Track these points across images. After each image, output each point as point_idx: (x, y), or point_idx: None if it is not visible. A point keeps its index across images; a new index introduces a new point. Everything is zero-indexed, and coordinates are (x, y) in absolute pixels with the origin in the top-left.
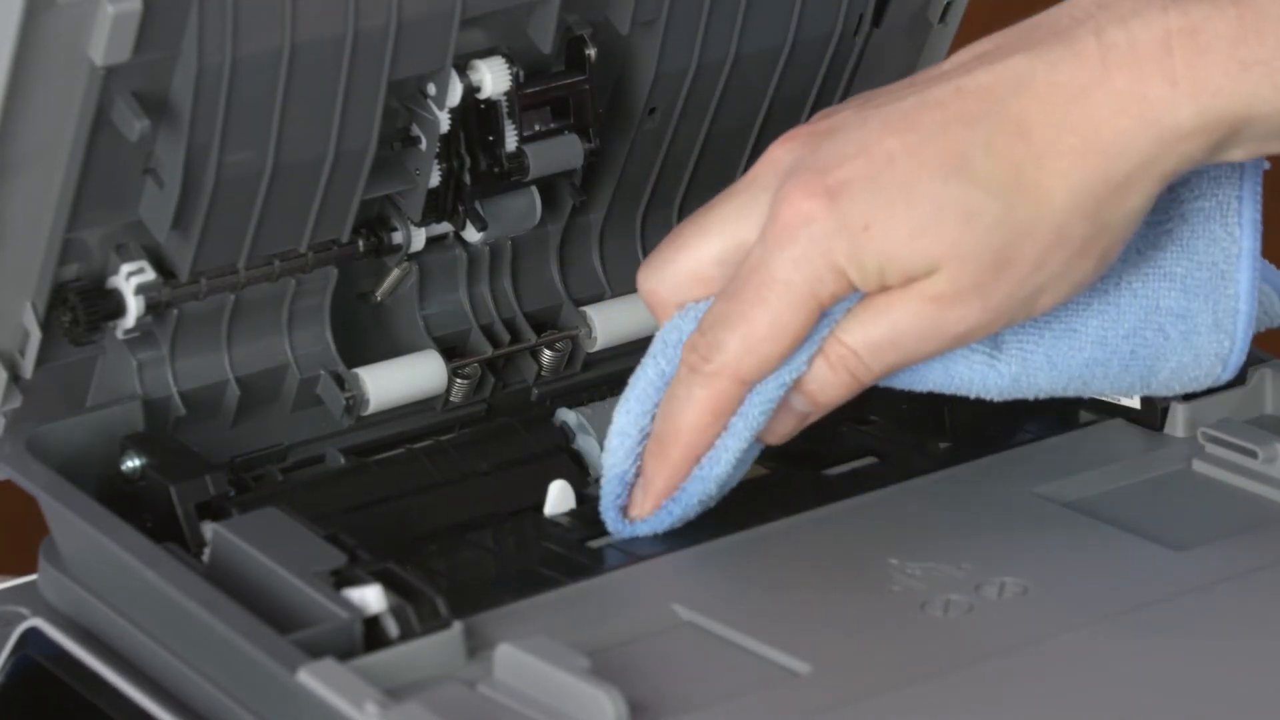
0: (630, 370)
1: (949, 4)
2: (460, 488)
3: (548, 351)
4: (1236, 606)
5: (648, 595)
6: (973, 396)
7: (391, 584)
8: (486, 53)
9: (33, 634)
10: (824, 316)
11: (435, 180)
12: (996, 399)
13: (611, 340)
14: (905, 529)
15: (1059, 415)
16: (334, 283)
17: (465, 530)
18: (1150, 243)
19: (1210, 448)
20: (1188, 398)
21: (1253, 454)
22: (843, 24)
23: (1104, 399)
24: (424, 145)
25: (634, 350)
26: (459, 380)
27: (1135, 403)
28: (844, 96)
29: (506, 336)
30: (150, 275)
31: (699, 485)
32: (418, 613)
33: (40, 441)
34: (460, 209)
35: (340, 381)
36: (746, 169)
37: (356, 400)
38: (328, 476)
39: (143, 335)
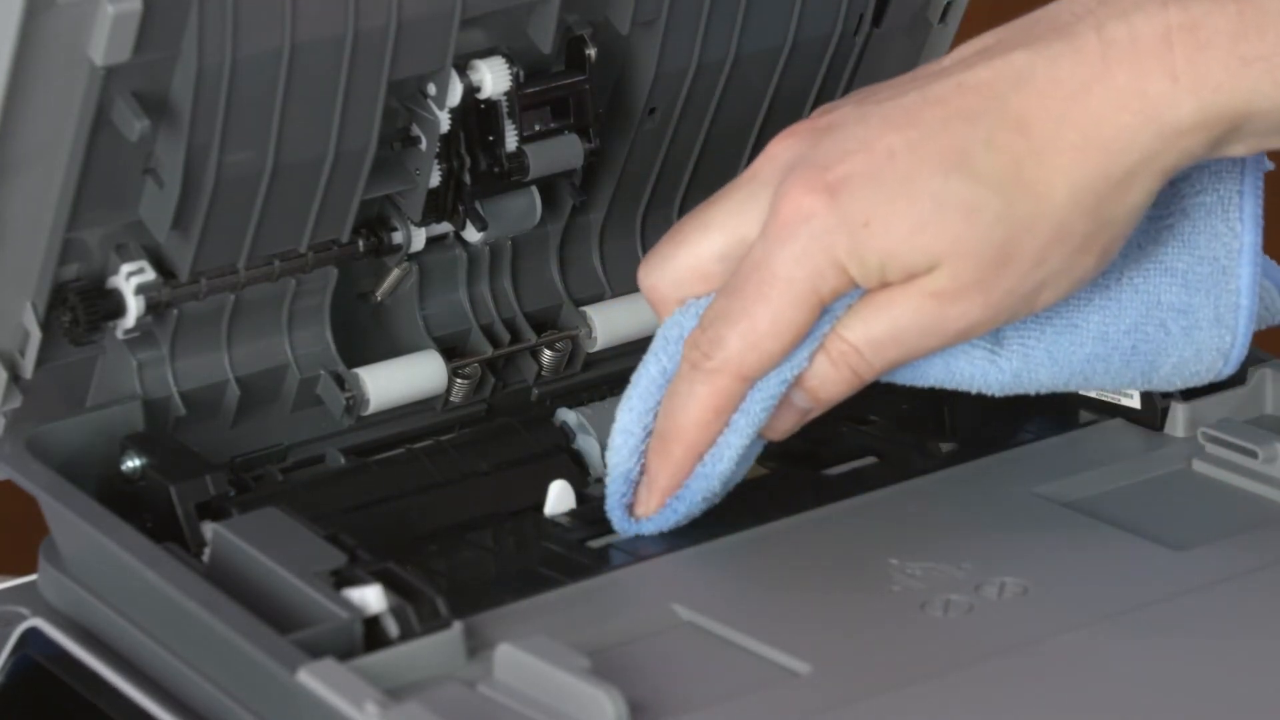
0: (630, 370)
1: (949, 4)
2: (460, 488)
3: (548, 351)
4: (1236, 606)
5: (648, 595)
6: (974, 392)
7: (391, 584)
8: (486, 53)
9: (33, 634)
10: (825, 313)
11: (435, 180)
12: (997, 394)
13: (611, 340)
14: (905, 529)
15: (1059, 415)
16: (334, 283)
17: (465, 530)
18: (1151, 238)
19: (1210, 448)
20: (1187, 397)
21: (1253, 454)
22: (843, 24)
23: (1104, 399)
24: (424, 145)
25: (634, 350)
26: (459, 380)
27: (1135, 403)
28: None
29: (506, 336)
30: (150, 275)
31: (703, 483)
32: (418, 613)
33: (40, 441)
34: (460, 209)
35: (340, 381)
36: (747, 168)
37: (356, 400)
38: (328, 476)
39: (143, 335)
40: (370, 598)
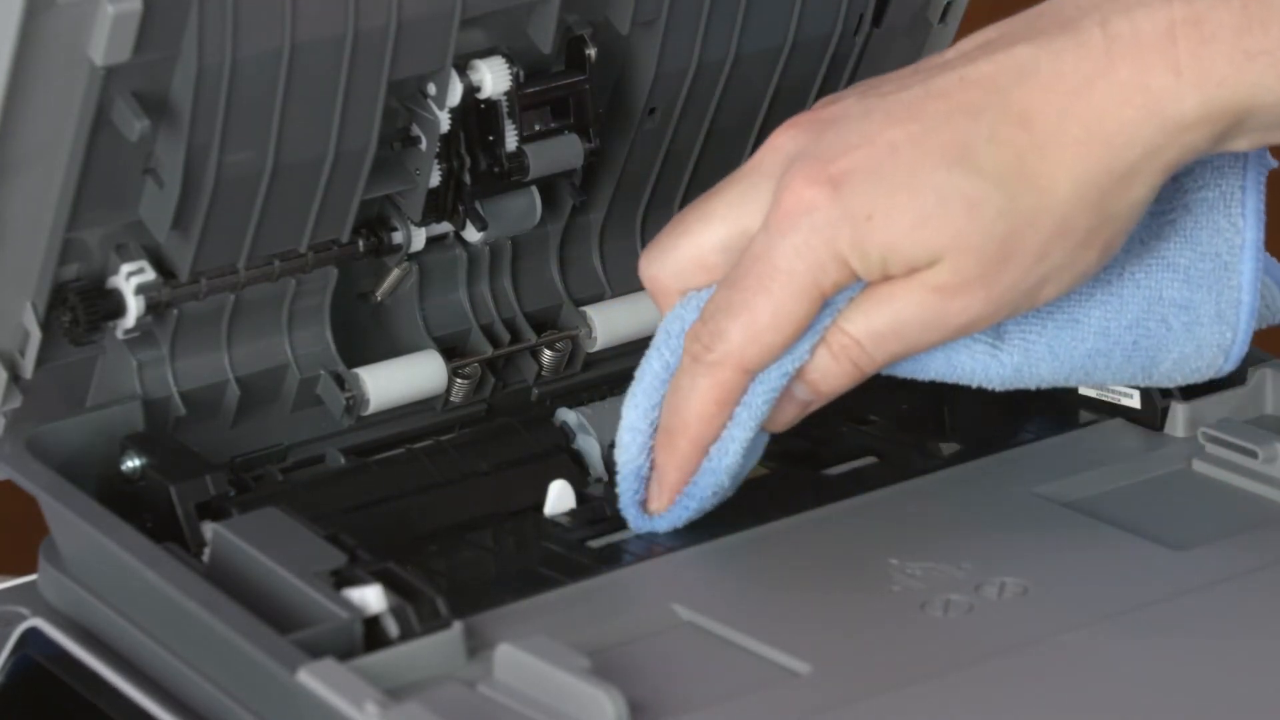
0: (631, 370)
1: (949, 4)
2: (460, 488)
3: (548, 351)
4: (1236, 606)
5: (648, 595)
6: (974, 386)
7: (391, 584)
8: (486, 53)
9: (33, 634)
10: (826, 305)
11: (435, 180)
12: (998, 389)
13: (611, 340)
14: (905, 529)
15: (1059, 415)
16: (334, 283)
17: (465, 530)
18: (1153, 233)
19: (1210, 448)
20: (1187, 397)
21: (1253, 454)
22: (843, 24)
23: (1104, 399)
24: (424, 145)
25: (634, 350)
26: (459, 380)
27: (1135, 402)
28: None
29: (506, 336)
30: (150, 275)
31: (710, 477)
32: (418, 613)
33: (40, 441)
34: (460, 209)
35: (340, 381)
36: (749, 159)
37: (356, 400)
38: (328, 476)
39: (143, 335)
40: (370, 598)
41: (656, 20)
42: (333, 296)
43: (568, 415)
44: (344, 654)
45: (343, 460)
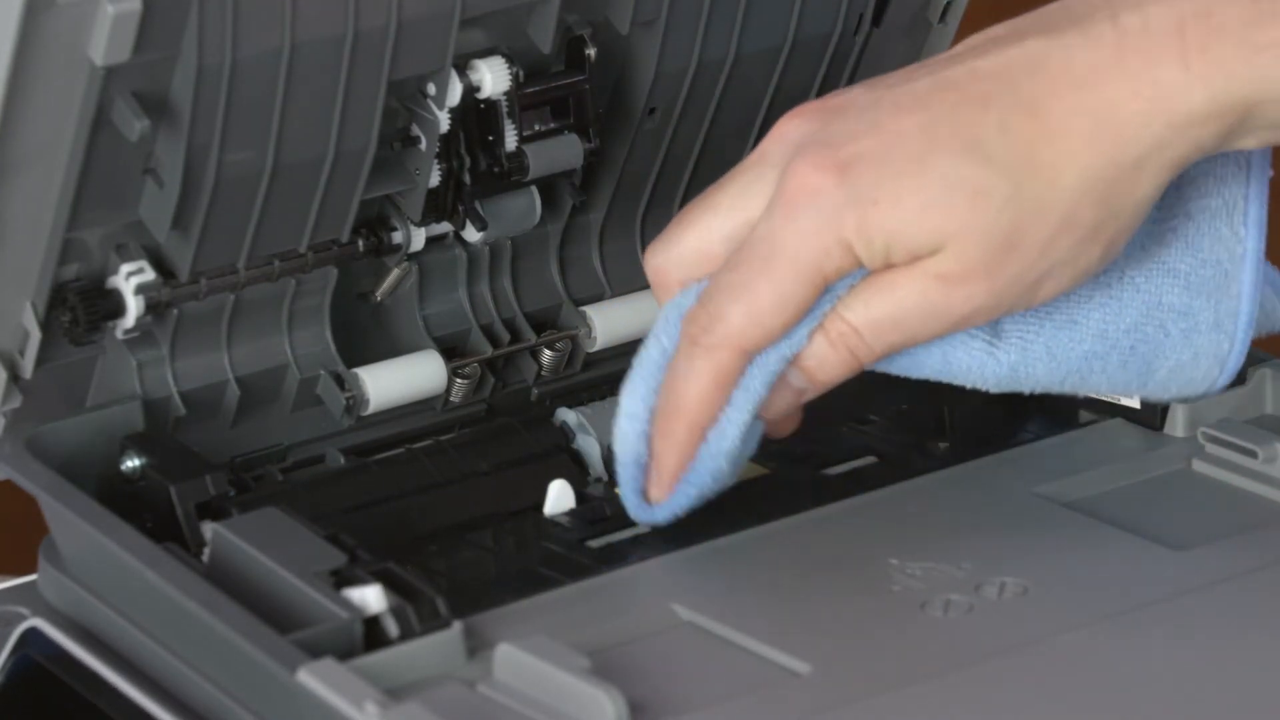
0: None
1: (949, 4)
2: (460, 488)
3: (548, 351)
4: (1236, 606)
5: (648, 595)
6: (969, 386)
7: (391, 584)
8: (486, 53)
9: (33, 634)
10: (827, 292)
11: (435, 180)
12: (993, 389)
13: (611, 340)
14: (905, 529)
15: (1059, 415)
16: (334, 283)
17: (465, 530)
18: (1155, 239)
19: (1210, 448)
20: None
21: (1253, 454)
22: (843, 24)
23: (1104, 398)
24: (424, 145)
25: (634, 350)
26: (459, 380)
27: (1135, 402)
28: None
29: (506, 336)
30: (150, 275)
31: (709, 462)
32: (418, 613)
33: (40, 441)
34: (460, 209)
35: (340, 381)
36: (755, 149)
37: (356, 400)
38: (328, 476)
39: (143, 335)
40: (370, 598)
41: (656, 20)
42: (333, 296)
43: (568, 415)
44: (344, 654)
45: (343, 460)
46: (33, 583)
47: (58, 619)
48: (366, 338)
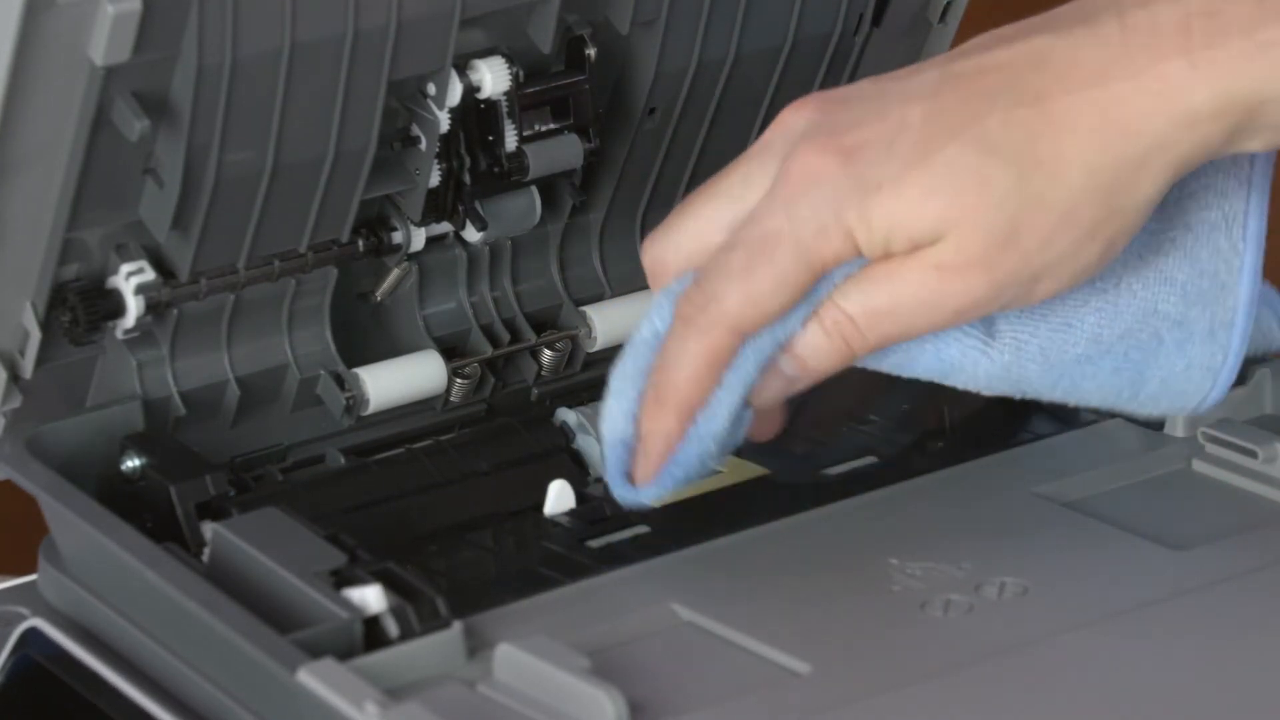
0: None
1: (949, 4)
2: (460, 488)
3: (548, 351)
4: (1236, 606)
5: (648, 595)
6: (961, 387)
7: (391, 584)
8: (486, 52)
9: (33, 634)
10: (824, 279)
11: (435, 180)
12: (985, 391)
13: (611, 340)
14: (905, 529)
15: (1059, 415)
16: (334, 283)
17: (465, 530)
18: (1153, 249)
19: (1210, 447)
20: None
21: (1253, 454)
22: (843, 24)
23: None
24: (424, 145)
25: None
26: (459, 380)
27: None
28: None
29: (506, 336)
30: (150, 275)
31: (697, 445)
32: (418, 613)
33: (40, 441)
34: (460, 209)
35: (340, 381)
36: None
37: (356, 400)
38: (328, 476)
39: (143, 335)
40: (370, 598)
41: (656, 20)
42: (333, 296)
43: (567, 415)
44: (344, 654)
45: (343, 460)
46: (33, 583)
47: (58, 619)
48: (366, 338)
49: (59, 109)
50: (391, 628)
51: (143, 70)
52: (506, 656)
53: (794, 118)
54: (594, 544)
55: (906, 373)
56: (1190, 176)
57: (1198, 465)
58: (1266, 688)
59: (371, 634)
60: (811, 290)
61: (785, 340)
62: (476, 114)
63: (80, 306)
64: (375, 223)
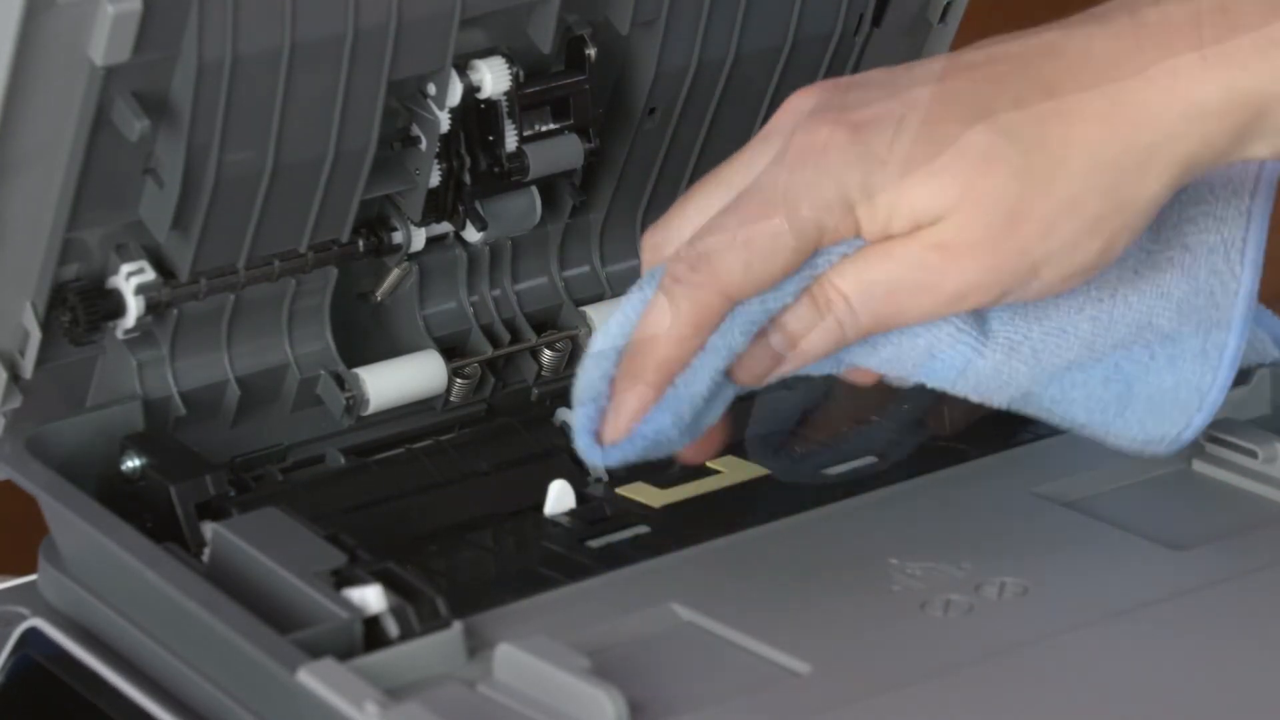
0: None
1: (949, 4)
2: (460, 488)
3: (548, 351)
4: (1236, 606)
5: (648, 595)
6: (949, 389)
7: (391, 584)
8: (486, 53)
9: (33, 634)
10: (820, 255)
11: (435, 180)
12: (972, 395)
13: None
14: (905, 529)
15: None
16: (334, 283)
17: (465, 530)
18: (1151, 265)
19: (1210, 448)
20: None
21: (1253, 454)
22: (843, 24)
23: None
24: (424, 145)
25: None
26: (459, 380)
27: None
28: None
29: (506, 336)
30: (150, 275)
31: (673, 406)
32: (418, 613)
33: (40, 441)
34: (460, 209)
35: (340, 381)
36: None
37: (356, 400)
38: (328, 476)
39: (143, 335)
40: (370, 598)
41: (656, 20)
42: (333, 296)
43: (568, 415)
44: (344, 654)
45: (343, 460)
46: (33, 583)
47: (58, 619)
48: (366, 338)
49: (59, 109)
50: (391, 628)
51: (143, 70)
52: (506, 656)
53: (802, 100)
54: (594, 544)
55: (896, 369)
56: (1189, 202)
57: (1198, 465)
58: (1266, 688)
59: (371, 634)
60: (807, 265)
61: (776, 308)
62: (477, 114)
63: (80, 306)
64: (375, 223)
